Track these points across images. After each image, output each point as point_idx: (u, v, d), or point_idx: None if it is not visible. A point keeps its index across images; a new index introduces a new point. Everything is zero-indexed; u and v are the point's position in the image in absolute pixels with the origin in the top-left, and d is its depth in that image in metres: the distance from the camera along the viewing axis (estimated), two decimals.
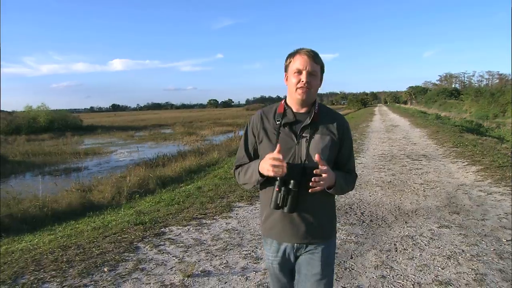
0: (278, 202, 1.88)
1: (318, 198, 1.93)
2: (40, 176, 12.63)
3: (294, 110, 2.00)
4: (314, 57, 1.94)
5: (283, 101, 2.06)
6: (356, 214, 5.69)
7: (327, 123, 2.00)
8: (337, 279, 3.64)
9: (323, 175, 1.81)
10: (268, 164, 1.82)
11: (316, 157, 1.82)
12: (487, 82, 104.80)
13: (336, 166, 2.02)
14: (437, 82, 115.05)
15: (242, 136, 2.16)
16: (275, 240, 2.05)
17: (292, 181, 1.85)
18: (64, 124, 41.73)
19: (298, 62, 1.93)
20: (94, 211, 8.05)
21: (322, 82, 2.04)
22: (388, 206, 6.05)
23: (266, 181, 1.96)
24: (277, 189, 1.87)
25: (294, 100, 1.99)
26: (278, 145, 1.83)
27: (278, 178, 1.86)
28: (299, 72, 1.93)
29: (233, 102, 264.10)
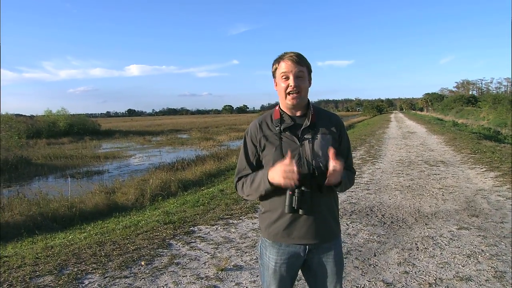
0: (294, 205, 1.88)
1: (325, 197, 1.99)
2: (68, 178, 13.00)
3: (290, 114, 2.04)
4: (298, 60, 1.96)
5: (277, 107, 2.09)
6: (377, 216, 5.88)
7: (325, 123, 2.05)
8: (362, 274, 3.86)
9: (338, 167, 1.85)
10: (279, 173, 1.82)
11: (330, 153, 1.86)
12: (506, 89, 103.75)
13: None
14: (454, 89, 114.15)
15: (241, 148, 2.15)
16: (284, 243, 2.03)
17: (303, 184, 1.87)
18: (83, 128, 42.48)
19: (284, 67, 1.96)
20: (120, 212, 8.37)
21: (311, 83, 2.06)
22: (407, 209, 6.22)
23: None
24: (290, 192, 1.87)
25: (287, 106, 2.02)
26: (289, 153, 1.84)
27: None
28: (286, 77, 1.96)
29: (248, 108, 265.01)
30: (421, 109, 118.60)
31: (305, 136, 1.99)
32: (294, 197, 1.87)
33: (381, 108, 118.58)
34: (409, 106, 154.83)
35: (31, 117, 48.72)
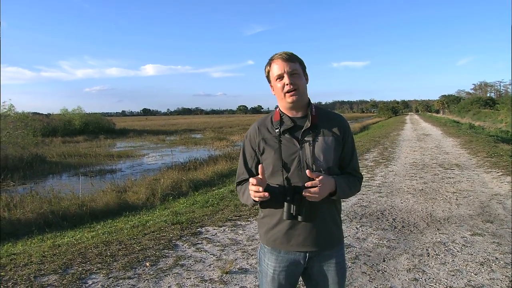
0: (292, 211, 1.81)
1: (325, 203, 1.88)
2: (79, 176, 13.08)
3: (290, 116, 1.95)
4: (288, 58, 1.89)
5: (277, 109, 2.01)
6: (388, 220, 5.76)
7: (327, 124, 1.95)
8: (370, 280, 3.76)
9: (317, 187, 1.76)
10: (249, 190, 1.80)
11: (307, 174, 1.77)
12: None
13: (340, 167, 1.98)
14: (471, 91, 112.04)
15: (240, 152, 2.09)
16: (283, 250, 1.96)
17: (303, 189, 1.79)
18: (97, 127, 42.82)
19: (276, 68, 1.90)
20: (130, 211, 8.36)
21: (308, 80, 1.99)
22: (419, 213, 6.08)
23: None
24: (288, 198, 1.81)
25: (286, 106, 1.94)
26: (260, 168, 1.79)
27: (287, 187, 1.85)
28: (281, 77, 1.89)
29: (263, 108, 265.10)
30: (437, 111, 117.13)
31: (305, 139, 1.90)
32: (292, 204, 1.80)
33: (396, 109, 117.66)
34: (425, 108, 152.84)
35: (48, 115, 49.39)
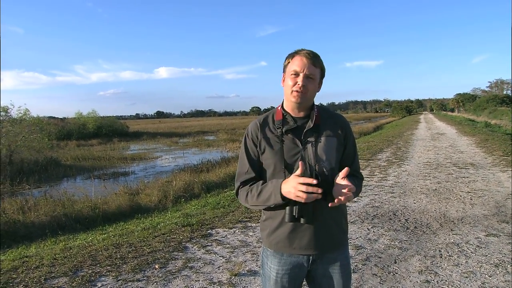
0: (294, 213, 1.75)
1: (328, 206, 1.78)
2: (92, 179, 13.20)
3: (293, 115, 1.90)
4: (313, 59, 1.82)
5: (279, 107, 1.96)
6: (400, 220, 5.67)
7: (330, 125, 1.90)
8: (381, 282, 3.69)
9: (346, 192, 1.68)
10: (296, 189, 1.66)
11: (344, 172, 1.69)
12: None
13: (341, 167, 1.86)
14: (486, 89, 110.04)
15: (241, 150, 1.99)
16: (285, 253, 1.91)
17: None
18: (111, 130, 43.26)
19: (296, 64, 1.82)
20: (142, 213, 8.39)
21: (321, 88, 1.93)
22: (433, 213, 5.98)
23: None
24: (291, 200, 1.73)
25: (290, 104, 1.89)
26: (300, 164, 1.69)
27: None
28: (296, 74, 1.82)
29: None
30: (452, 110, 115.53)
31: (308, 139, 1.85)
32: (295, 206, 1.74)
33: (411, 109, 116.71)
34: (440, 107, 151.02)
35: (63, 119, 50.07)
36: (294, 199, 1.68)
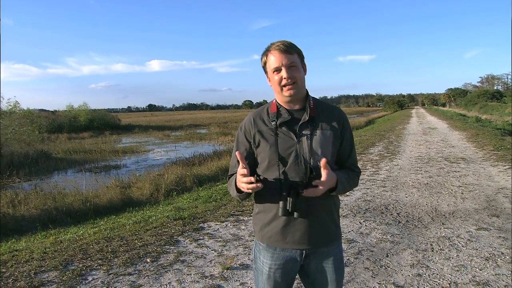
0: (288, 207, 1.72)
1: (323, 199, 1.81)
2: (83, 172, 13.11)
3: (287, 108, 1.87)
4: (287, 49, 1.79)
5: (274, 101, 1.92)
6: (392, 214, 5.69)
7: (326, 117, 1.86)
8: (373, 276, 3.70)
9: (322, 180, 1.69)
10: (240, 182, 1.72)
11: (322, 162, 1.69)
12: None
13: (338, 161, 1.91)
14: (478, 84, 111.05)
15: (234, 143, 2.00)
16: (278, 247, 1.89)
17: (299, 185, 1.73)
18: (103, 123, 43.01)
19: (273, 60, 1.80)
20: (134, 207, 8.35)
21: (307, 71, 1.88)
22: (424, 207, 6.01)
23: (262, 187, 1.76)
24: (284, 193, 1.73)
25: (284, 100, 1.86)
26: (237, 154, 1.72)
27: (283, 182, 1.77)
28: (278, 69, 1.80)
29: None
30: (444, 105, 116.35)
31: (303, 132, 1.81)
32: (288, 198, 1.71)
33: (403, 103, 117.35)
34: (431, 101, 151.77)
35: (54, 112, 49.65)
36: (245, 190, 1.74)
